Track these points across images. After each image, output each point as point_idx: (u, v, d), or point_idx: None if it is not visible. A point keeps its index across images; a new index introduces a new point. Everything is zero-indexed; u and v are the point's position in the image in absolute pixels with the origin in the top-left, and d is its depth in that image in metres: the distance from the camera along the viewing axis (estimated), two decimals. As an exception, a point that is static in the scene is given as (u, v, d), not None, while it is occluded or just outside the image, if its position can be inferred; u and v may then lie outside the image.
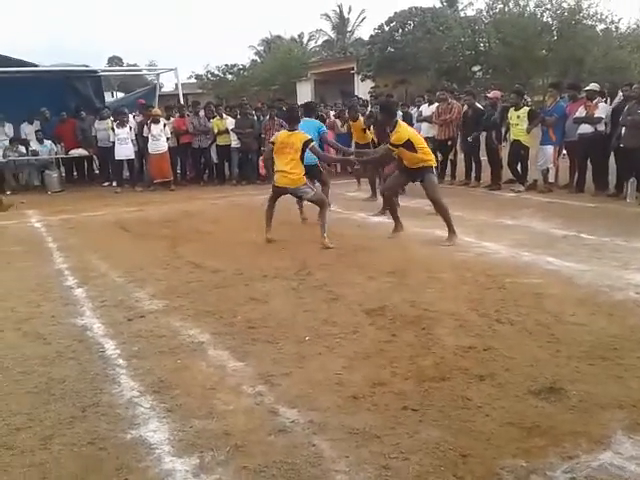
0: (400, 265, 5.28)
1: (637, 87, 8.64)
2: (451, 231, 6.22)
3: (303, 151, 6.27)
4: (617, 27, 24.97)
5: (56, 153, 12.73)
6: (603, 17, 23.77)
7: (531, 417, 2.73)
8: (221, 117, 12.32)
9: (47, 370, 3.44)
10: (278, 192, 6.53)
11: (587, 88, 9.22)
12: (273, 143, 6.47)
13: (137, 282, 5.16)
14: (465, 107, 10.59)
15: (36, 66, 13.71)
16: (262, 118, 12.58)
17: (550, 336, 3.63)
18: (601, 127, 8.70)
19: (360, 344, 3.64)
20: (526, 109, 9.56)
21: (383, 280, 4.92)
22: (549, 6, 23.69)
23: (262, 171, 11.91)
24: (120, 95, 25.44)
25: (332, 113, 13.71)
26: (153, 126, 11.60)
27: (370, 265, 5.34)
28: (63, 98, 13.17)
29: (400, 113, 11.82)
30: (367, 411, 2.87)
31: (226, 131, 12.23)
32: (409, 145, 6.13)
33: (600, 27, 24.36)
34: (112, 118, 12.30)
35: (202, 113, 12.76)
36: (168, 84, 30.26)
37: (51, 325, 4.17)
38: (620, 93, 9.15)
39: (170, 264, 5.72)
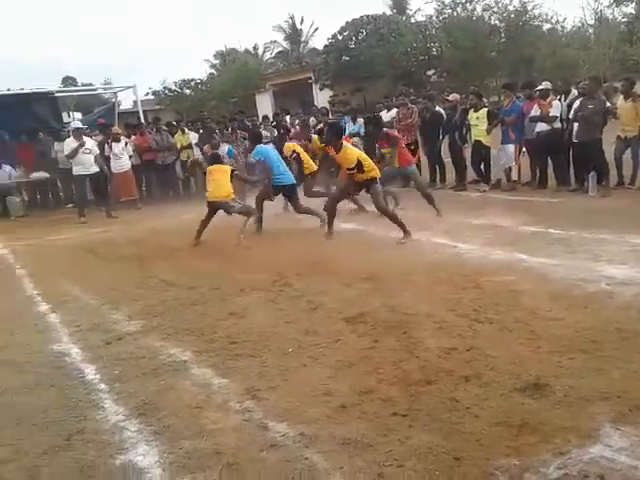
0: (374, 270, 5.29)
1: (585, 83, 8.94)
2: (405, 232, 6.51)
3: None
4: (563, 27, 25.85)
5: (16, 178, 12.40)
6: (548, 17, 24.55)
7: (519, 415, 2.76)
8: (183, 132, 12.23)
9: (27, 400, 3.34)
10: None
11: (540, 87, 9.46)
12: None
13: (111, 304, 5.06)
14: (424, 111, 10.76)
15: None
16: (225, 132, 12.53)
17: (530, 332, 3.68)
18: (557, 124, 8.93)
19: (343, 352, 3.64)
20: (485, 110, 9.74)
21: (360, 286, 4.93)
22: (496, 9, 24.30)
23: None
24: (77, 115, 25.00)
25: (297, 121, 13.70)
26: (114, 145, 11.47)
27: (345, 272, 5.35)
28: (20, 122, 12.86)
29: (361, 120, 11.98)
30: (357, 420, 2.86)
31: (189, 146, 12.15)
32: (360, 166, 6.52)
33: (546, 27, 25.15)
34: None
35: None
36: (125, 101, 29.80)
37: (27, 353, 4.05)
38: (573, 90, 9.43)
39: (144, 283, 5.63)
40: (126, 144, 11.65)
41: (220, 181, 7.40)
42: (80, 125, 10.91)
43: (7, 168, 12.15)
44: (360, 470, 2.47)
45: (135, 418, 3.04)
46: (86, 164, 10.48)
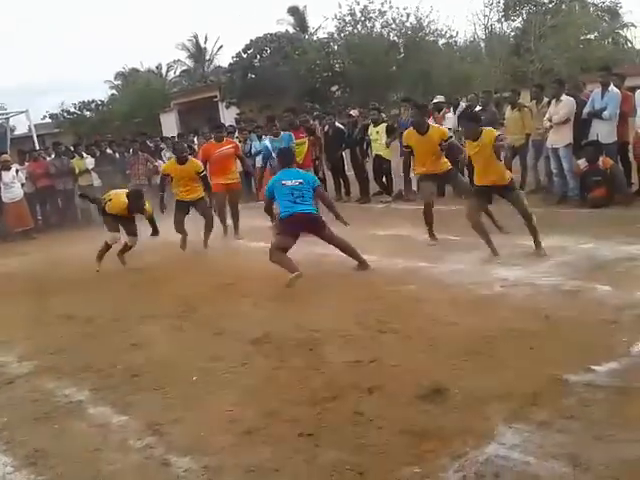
0: (282, 289, 5.28)
1: (472, 97, 9.47)
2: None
3: None
4: (456, 41, 27.17)
5: None
6: (443, 32, 25.76)
7: (420, 422, 2.82)
8: (81, 157, 11.78)
9: None
10: None
11: (435, 101, 9.90)
12: None
13: (1, 345, 4.72)
14: (326, 127, 10.94)
15: None
16: (126, 154, 12.19)
17: (429, 339, 3.79)
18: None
19: (249, 376, 3.59)
20: (384, 125, 10.06)
21: (267, 306, 4.89)
22: (394, 26, 25.22)
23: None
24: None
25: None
26: (4, 173, 10.84)
27: (253, 293, 5.30)
28: None
29: (267, 139, 12.00)
30: (263, 444, 2.81)
31: (87, 171, 11.72)
32: None
33: (442, 42, 26.37)
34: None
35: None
36: (20, 126, 28.30)
37: None
38: (462, 103, 9.91)
39: (39, 319, 5.29)
40: (17, 172, 11.05)
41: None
42: None
43: None
44: (265, 497, 2.42)
45: (25, 468, 2.83)
46: None
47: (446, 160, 6.56)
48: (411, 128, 6.70)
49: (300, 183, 5.75)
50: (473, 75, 23.22)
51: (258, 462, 2.66)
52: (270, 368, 3.65)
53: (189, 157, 7.90)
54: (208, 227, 7.73)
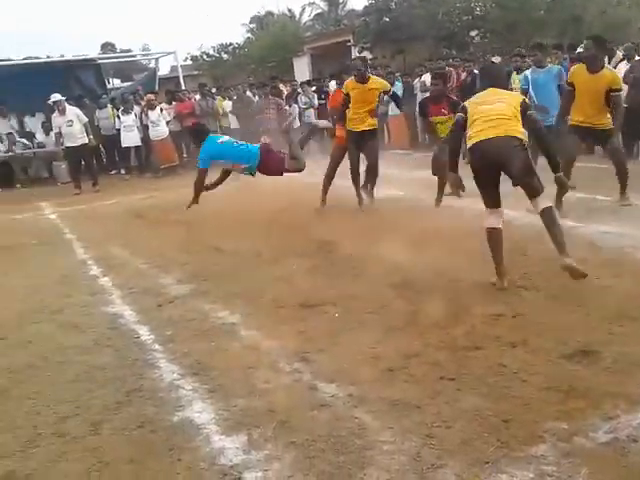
0: (422, 236, 5.26)
1: (630, 46, 8.59)
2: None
3: None
4: (614, -18, 24.61)
5: (62, 143, 12.69)
6: (600, -27, 23.40)
7: (567, 380, 2.77)
8: (224, 99, 12.32)
9: (86, 359, 3.51)
10: None
11: (580, 50, 9.12)
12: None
13: (161, 268, 5.22)
14: (464, 74, 10.51)
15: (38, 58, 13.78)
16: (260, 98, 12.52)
17: (577, 300, 3.65)
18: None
19: (390, 317, 3.69)
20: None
21: (407, 252, 4.92)
22: (544, -35, 23.29)
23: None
24: (116, 82, 25.34)
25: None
26: (150, 112, 11.62)
27: (393, 238, 5.34)
28: (66, 88, 13.14)
29: (399, 84, 11.80)
30: (405, 382, 2.92)
31: (225, 113, 12.26)
32: None
33: (597, -16, 24.05)
34: (112, 105, 12.42)
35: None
36: (163, 67, 29.90)
37: (84, 315, 4.24)
38: (618, 52, 9.03)
39: (190, 249, 5.74)
40: (161, 110, 11.78)
41: None
42: (59, 97, 10.76)
43: (54, 135, 12.44)
44: (409, 430, 2.52)
45: (189, 377, 3.17)
46: (70, 136, 10.64)
47: (609, 117, 5.70)
48: (581, 64, 5.75)
49: None
50: (631, 22, 20.97)
51: (400, 398, 2.77)
52: (410, 312, 3.72)
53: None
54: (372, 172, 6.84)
